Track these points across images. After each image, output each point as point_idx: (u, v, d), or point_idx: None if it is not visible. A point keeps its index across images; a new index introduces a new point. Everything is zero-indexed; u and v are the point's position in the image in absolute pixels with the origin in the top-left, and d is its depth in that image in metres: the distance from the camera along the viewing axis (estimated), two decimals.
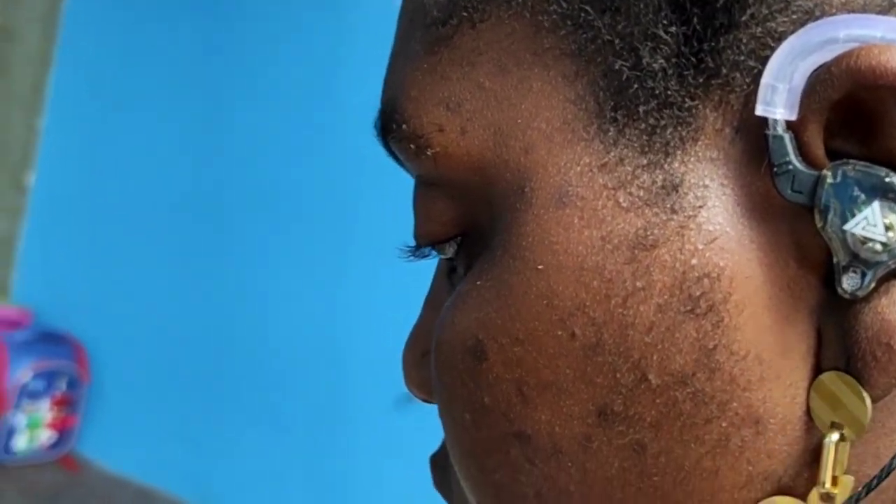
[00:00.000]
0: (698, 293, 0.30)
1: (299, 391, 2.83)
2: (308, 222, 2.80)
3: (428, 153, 0.34)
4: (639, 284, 0.31)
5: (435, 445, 0.44)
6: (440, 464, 0.43)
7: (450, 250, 0.37)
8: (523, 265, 0.32)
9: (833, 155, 0.29)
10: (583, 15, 0.31)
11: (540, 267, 0.32)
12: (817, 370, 0.30)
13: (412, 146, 0.35)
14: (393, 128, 0.35)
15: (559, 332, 0.32)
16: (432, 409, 0.38)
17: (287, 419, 2.83)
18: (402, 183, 0.42)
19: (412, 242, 0.38)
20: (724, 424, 0.31)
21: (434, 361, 0.36)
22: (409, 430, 1.97)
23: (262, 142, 2.89)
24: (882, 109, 0.28)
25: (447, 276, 0.39)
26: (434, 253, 0.38)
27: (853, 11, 0.29)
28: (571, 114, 0.32)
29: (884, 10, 0.28)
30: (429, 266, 0.43)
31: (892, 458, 0.29)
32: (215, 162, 3.01)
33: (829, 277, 0.30)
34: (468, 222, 0.35)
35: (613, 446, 0.32)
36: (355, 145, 1.75)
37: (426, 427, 0.75)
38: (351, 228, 2.71)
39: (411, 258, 0.40)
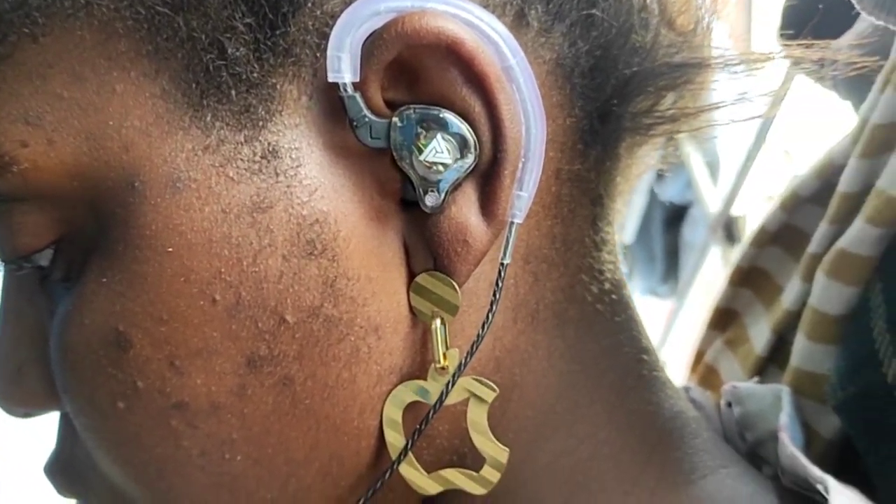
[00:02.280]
0: (313, 237, 0.36)
1: None
2: None
3: (14, 170, 0.35)
4: (264, 242, 0.35)
5: None
6: (60, 468, 0.44)
7: (44, 259, 0.38)
8: (152, 252, 0.35)
9: (389, 105, 0.36)
10: (157, 18, 0.34)
11: (170, 250, 0.35)
12: (411, 275, 0.38)
13: None
14: None
15: (201, 302, 0.35)
16: None
17: None
18: None
19: None
20: (352, 339, 0.37)
21: (62, 364, 0.37)
22: None
23: None
24: (421, 64, 0.35)
25: (39, 284, 0.40)
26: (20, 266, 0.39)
27: None
28: (162, 108, 0.35)
29: None
30: None
31: (483, 324, 0.38)
32: None
33: (404, 202, 0.37)
34: (66, 228, 0.37)
35: (266, 387, 0.36)
36: None
37: None
38: None
39: None
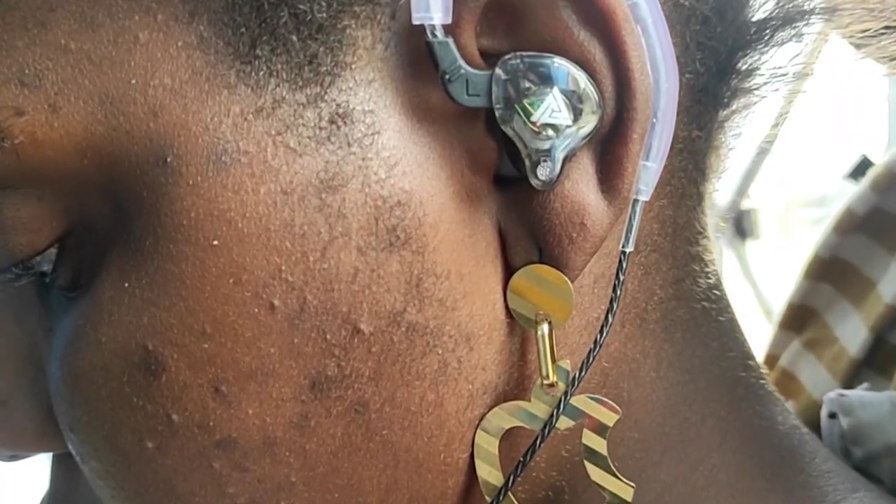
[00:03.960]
0: (394, 223, 0.28)
1: None
2: None
3: (5, 146, 0.27)
4: (335, 231, 0.28)
5: None
6: None
7: (44, 264, 0.30)
8: (192, 247, 0.27)
9: (482, 55, 0.29)
10: None
11: (215, 243, 0.27)
12: (508, 270, 0.30)
13: None
14: None
15: (255, 310, 0.28)
16: None
17: None
18: None
19: None
20: (440, 351, 0.29)
21: (70, 396, 0.29)
22: None
23: None
24: (526, 1, 0.28)
25: (37, 296, 0.32)
26: (16, 275, 0.30)
27: None
28: (200, 60, 0.27)
29: None
30: None
31: (601, 328, 0.30)
32: None
33: (498, 178, 0.30)
34: (73, 221, 0.29)
35: (333, 415, 0.29)
36: None
37: None
38: None
39: None
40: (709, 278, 0.36)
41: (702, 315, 0.36)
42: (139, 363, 0.28)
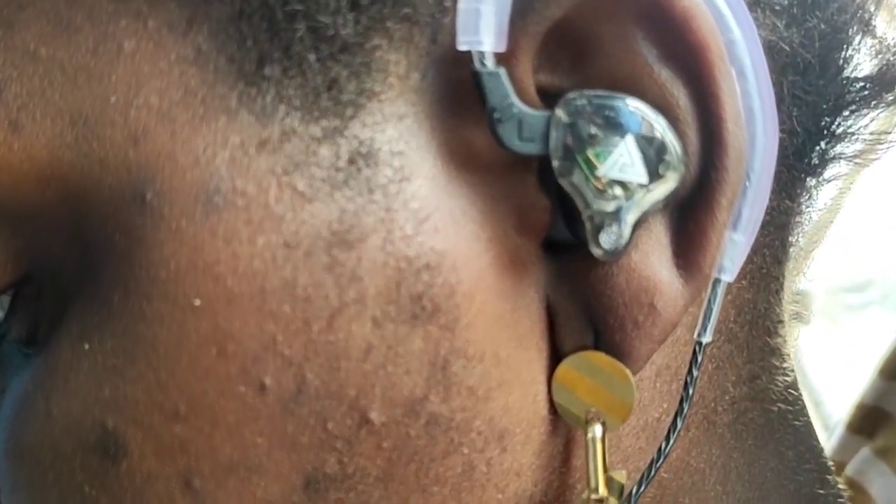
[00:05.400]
0: (420, 291, 0.23)
1: None
2: None
3: None
4: (347, 296, 0.22)
5: None
6: None
7: None
8: (169, 306, 0.22)
9: (540, 92, 0.23)
10: None
11: (198, 303, 0.22)
12: (555, 356, 0.25)
13: None
14: None
15: (242, 389, 0.22)
16: None
17: None
18: None
19: None
20: (466, 451, 0.24)
21: (12, 477, 0.25)
22: None
23: None
24: (596, 28, 0.23)
25: None
26: None
27: None
28: (196, 78, 0.22)
29: None
30: None
31: (668, 432, 0.25)
32: None
33: (549, 242, 0.25)
34: (32, 263, 0.24)
35: None
36: None
37: None
38: None
39: None
40: (786, 376, 0.31)
41: (778, 419, 0.30)
42: (95, 444, 0.23)
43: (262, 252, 0.22)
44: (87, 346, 0.23)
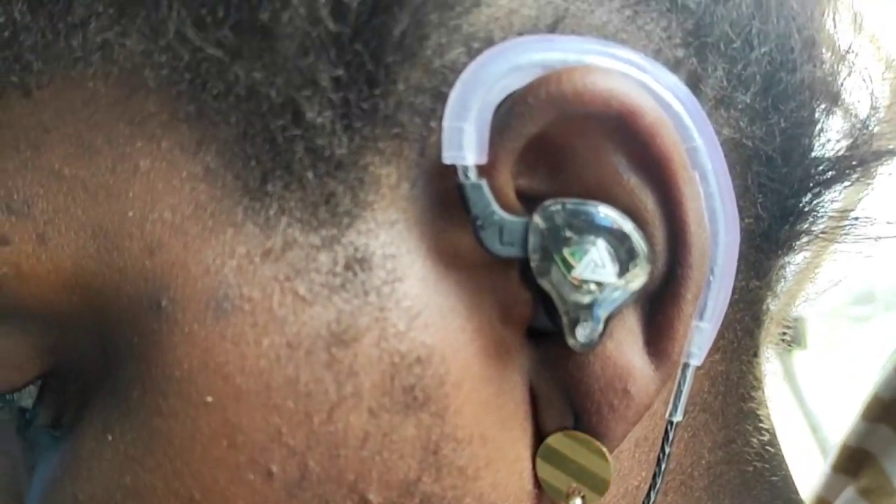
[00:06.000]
0: (412, 382, 0.25)
1: None
2: None
3: None
4: (344, 391, 0.24)
5: None
6: None
7: (26, 398, 0.27)
8: (183, 402, 0.24)
9: (519, 197, 0.26)
10: (205, 65, 0.24)
11: (209, 399, 0.24)
12: (538, 436, 0.27)
13: None
14: None
15: (250, 477, 0.24)
16: None
17: None
18: None
19: None
20: None
21: None
22: None
23: None
24: (572, 140, 0.25)
25: (17, 432, 0.29)
26: None
27: (523, 33, 0.25)
28: (205, 194, 0.24)
29: (550, 28, 0.26)
30: None
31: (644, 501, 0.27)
32: None
33: (532, 330, 0.27)
34: (58, 359, 0.26)
35: None
36: None
37: None
38: None
39: None
40: (762, 435, 0.33)
41: (753, 478, 0.32)
42: None
43: (267, 352, 0.24)
44: (110, 438, 0.25)
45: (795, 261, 0.34)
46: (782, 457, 0.34)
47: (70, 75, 0.24)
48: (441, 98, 0.24)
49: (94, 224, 0.24)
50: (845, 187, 0.32)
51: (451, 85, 0.24)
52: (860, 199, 0.33)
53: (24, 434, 0.28)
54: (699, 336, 0.26)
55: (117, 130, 0.24)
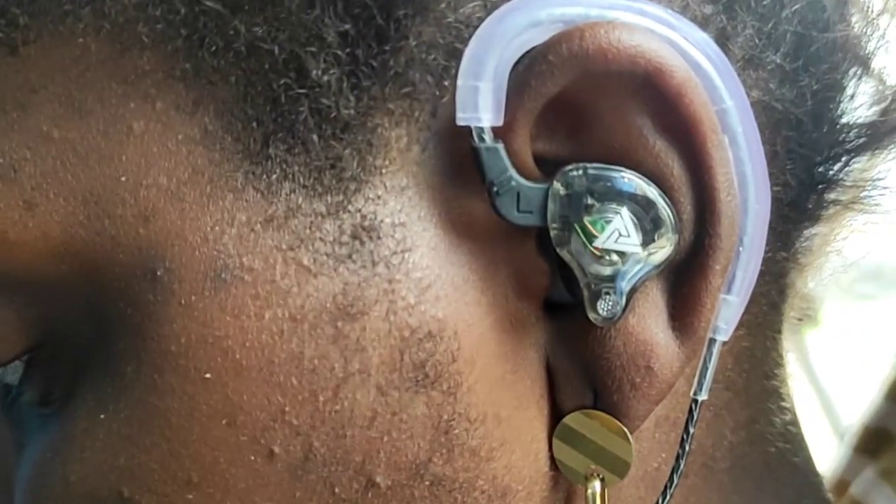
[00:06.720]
0: (423, 358, 0.24)
1: None
2: None
3: None
4: (351, 367, 0.23)
5: None
6: None
7: (11, 374, 0.26)
8: (180, 379, 0.23)
9: (538, 162, 0.24)
10: (203, 20, 0.22)
11: (207, 376, 0.23)
12: (555, 415, 0.26)
13: None
14: None
15: (251, 457, 0.23)
16: None
17: None
18: None
19: None
20: None
21: None
22: None
23: None
24: (595, 100, 0.23)
25: (2, 409, 0.27)
26: None
27: None
28: (203, 158, 0.23)
29: None
30: None
31: (663, 491, 0.26)
32: None
33: (549, 303, 0.25)
34: (47, 333, 0.25)
35: None
36: None
37: None
38: None
39: None
40: (784, 415, 0.32)
41: (776, 459, 0.31)
42: None
43: (269, 326, 0.23)
44: (102, 416, 0.24)
45: (821, 231, 0.32)
46: (803, 437, 0.33)
47: (59, 31, 0.23)
48: (455, 55, 0.23)
49: (85, 189, 0.23)
50: (877, 156, 0.31)
51: (465, 41, 0.23)
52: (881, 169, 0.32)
53: (10, 412, 0.27)
54: (727, 310, 0.25)
55: (109, 90, 0.23)
